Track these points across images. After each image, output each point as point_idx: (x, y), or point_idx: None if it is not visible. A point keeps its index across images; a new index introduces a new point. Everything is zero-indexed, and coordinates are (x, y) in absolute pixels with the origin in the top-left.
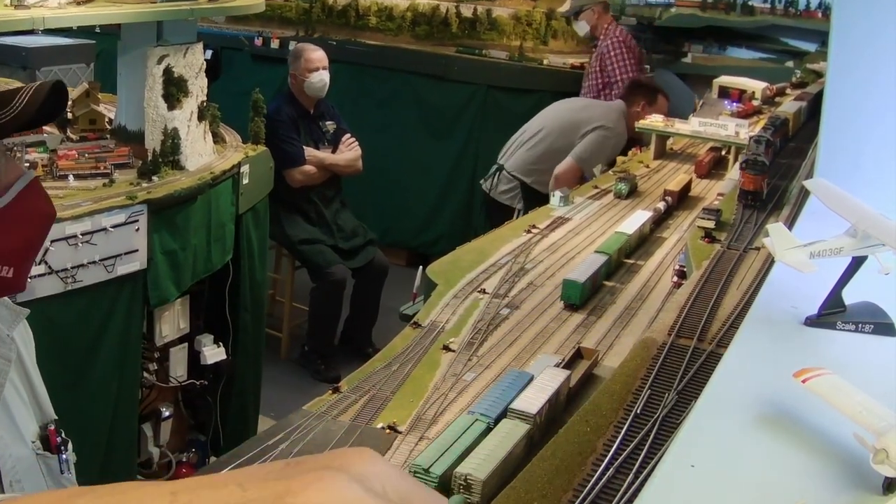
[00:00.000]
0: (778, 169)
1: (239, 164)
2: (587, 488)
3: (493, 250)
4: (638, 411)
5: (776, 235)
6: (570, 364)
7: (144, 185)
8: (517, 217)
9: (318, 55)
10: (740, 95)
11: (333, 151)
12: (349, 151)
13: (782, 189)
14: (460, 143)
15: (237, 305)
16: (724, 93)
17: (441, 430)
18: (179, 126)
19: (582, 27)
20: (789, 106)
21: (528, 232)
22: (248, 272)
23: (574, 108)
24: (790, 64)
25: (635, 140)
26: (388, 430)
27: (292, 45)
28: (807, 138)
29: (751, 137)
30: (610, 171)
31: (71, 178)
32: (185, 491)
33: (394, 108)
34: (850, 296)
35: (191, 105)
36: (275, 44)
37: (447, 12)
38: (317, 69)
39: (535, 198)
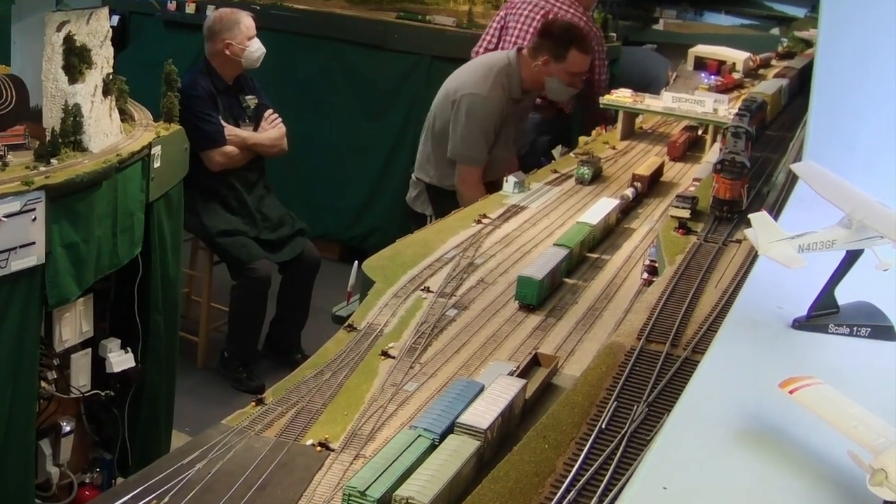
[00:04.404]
0: (752, 164)
1: (150, 145)
2: None
3: (438, 243)
4: (603, 426)
5: (760, 226)
6: (525, 372)
7: (42, 168)
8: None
9: (252, 21)
10: (719, 67)
11: (255, 129)
12: (273, 129)
13: (756, 190)
14: (400, 122)
15: (147, 306)
16: (701, 64)
17: (379, 447)
18: (82, 102)
19: None
20: (767, 85)
21: (478, 222)
22: (160, 268)
23: (451, 75)
24: (776, 31)
25: (546, 100)
26: (318, 448)
27: (210, 11)
28: (789, 124)
29: (726, 129)
30: (571, 154)
31: None
32: None
33: (325, 81)
34: (843, 295)
35: (95, 78)
36: (190, 8)
37: None
38: (254, 37)
39: (442, 199)
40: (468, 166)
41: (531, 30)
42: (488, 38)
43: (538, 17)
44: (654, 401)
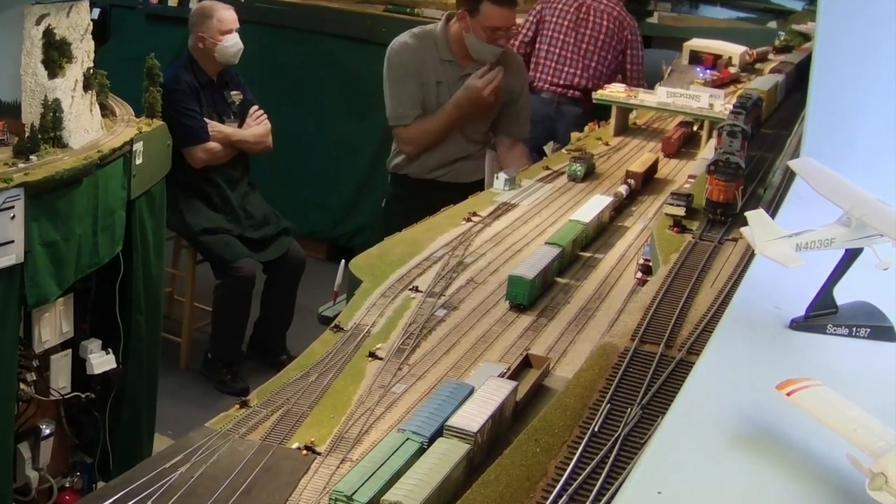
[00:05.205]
0: (747, 164)
1: (131, 142)
2: None
3: (427, 241)
4: (596, 429)
5: (756, 224)
6: (516, 374)
7: (21, 165)
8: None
9: (231, 15)
10: (715, 61)
11: (240, 126)
12: (258, 125)
13: (751, 192)
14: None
15: (129, 306)
16: (697, 58)
17: (366, 450)
18: (62, 97)
19: None
20: (763, 81)
21: (468, 220)
22: (142, 267)
23: None
24: (773, 24)
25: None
26: (304, 451)
27: (193, 4)
28: (786, 122)
29: (721, 128)
30: (563, 150)
31: None
32: None
33: (311, 76)
34: (842, 295)
35: (75, 72)
36: (173, 1)
37: None
38: (230, 31)
39: (401, 186)
40: (395, 125)
41: (566, 22)
42: (524, 31)
43: (572, 9)
44: (649, 403)
